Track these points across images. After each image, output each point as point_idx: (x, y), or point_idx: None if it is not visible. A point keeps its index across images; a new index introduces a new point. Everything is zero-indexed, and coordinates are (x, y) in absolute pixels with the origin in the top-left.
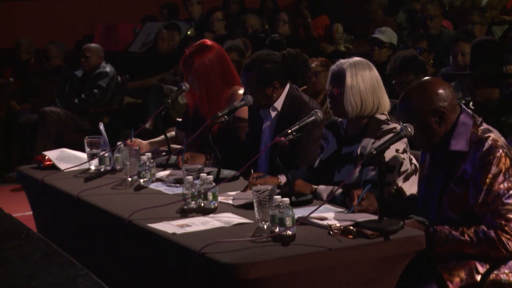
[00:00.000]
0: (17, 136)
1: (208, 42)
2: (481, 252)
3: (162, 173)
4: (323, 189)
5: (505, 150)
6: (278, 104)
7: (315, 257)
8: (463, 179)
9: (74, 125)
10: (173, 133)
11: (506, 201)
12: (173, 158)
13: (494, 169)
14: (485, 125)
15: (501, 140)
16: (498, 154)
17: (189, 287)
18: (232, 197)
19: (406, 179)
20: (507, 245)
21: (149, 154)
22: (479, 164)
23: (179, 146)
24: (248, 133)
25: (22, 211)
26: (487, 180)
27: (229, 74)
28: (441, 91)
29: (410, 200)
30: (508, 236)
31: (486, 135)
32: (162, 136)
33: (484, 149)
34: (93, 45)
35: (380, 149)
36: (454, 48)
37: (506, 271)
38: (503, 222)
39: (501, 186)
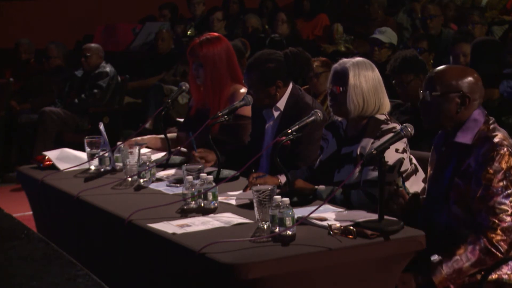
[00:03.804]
0: (17, 136)
1: (219, 35)
2: (479, 264)
3: (162, 173)
4: (323, 190)
5: (509, 150)
6: (281, 104)
7: (315, 257)
8: (466, 173)
9: (74, 125)
10: (174, 134)
11: (503, 200)
12: (173, 158)
13: (496, 166)
14: (496, 125)
15: (508, 140)
16: (502, 152)
17: (189, 287)
18: (232, 197)
19: (406, 179)
20: (499, 247)
21: (149, 154)
22: (482, 159)
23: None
24: (251, 133)
25: (22, 211)
26: (487, 176)
27: (234, 70)
28: (479, 83)
29: (414, 197)
30: (499, 237)
31: (494, 133)
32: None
33: (489, 144)
34: (93, 45)
35: (380, 149)
36: (454, 49)
37: (508, 272)
38: (496, 221)
39: (500, 183)
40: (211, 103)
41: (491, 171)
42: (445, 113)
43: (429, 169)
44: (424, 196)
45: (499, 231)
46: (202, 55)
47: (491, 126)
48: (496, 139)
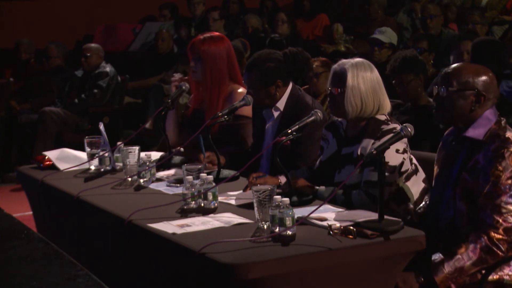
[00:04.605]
0: (17, 136)
1: (221, 34)
2: (480, 263)
3: (162, 173)
4: (324, 190)
5: None
6: (281, 104)
7: (315, 257)
8: (474, 169)
9: (74, 125)
10: None
11: (510, 200)
12: (173, 158)
13: (505, 163)
14: (507, 126)
15: None
16: None
17: (189, 287)
18: (232, 197)
19: (406, 179)
20: (500, 246)
21: (149, 154)
22: (492, 155)
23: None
24: (252, 133)
25: (22, 211)
26: (496, 172)
27: (233, 70)
28: (494, 83)
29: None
30: (500, 236)
31: (505, 132)
32: None
33: (500, 141)
34: (93, 45)
35: (380, 149)
36: (458, 47)
37: (510, 273)
38: (500, 221)
39: (508, 181)
40: (209, 100)
41: (500, 168)
42: (458, 110)
43: (435, 167)
44: (426, 198)
45: (501, 231)
46: (203, 50)
47: (502, 126)
48: (506, 136)
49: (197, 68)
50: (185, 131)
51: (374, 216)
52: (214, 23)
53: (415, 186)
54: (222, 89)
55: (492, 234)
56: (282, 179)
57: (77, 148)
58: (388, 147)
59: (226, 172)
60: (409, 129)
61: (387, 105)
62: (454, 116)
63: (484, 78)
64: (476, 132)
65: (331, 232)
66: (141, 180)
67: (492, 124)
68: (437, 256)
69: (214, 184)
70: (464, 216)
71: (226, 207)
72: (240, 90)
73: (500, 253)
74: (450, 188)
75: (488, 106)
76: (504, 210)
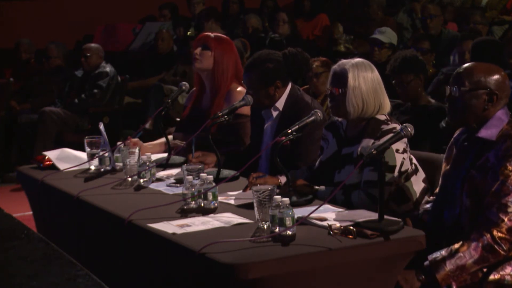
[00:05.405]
0: (17, 136)
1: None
2: (482, 262)
3: (162, 173)
4: (323, 190)
5: None
6: (280, 104)
7: (315, 257)
8: (484, 167)
9: (74, 125)
10: (170, 137)
11: None
12: (173, 158)
13: None
14: None
15: None
16: None
17: (189, 287)
18: (232, 197)
19: (406, 179)
20: (503, 245)
21: (149, 154)
22: (502, 154)
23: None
24: (250, 134)
25: (22, 211)
26: (505, 171)
27: (239, 70)
28: (507, 82)
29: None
30: (502, 235)
31: None
32: (160, 140)
33: (510, 141)
34: (93, 45)
35: (380, 149)
36: (460, 46)
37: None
38: (505, 220)
39: None
40: (211, 87)
41: (510, 167)
42: (471, 109)
43: (444, 164)
44: (427, 196)
45: (504, 230)
46: (217, 39)
47: None
48: None
49: (202, 56)
50: (183, 131)
51: (374, 216)
52: (201, 24)
53: (415, 186)
54: (226, 81)
55: (495, 232)
56: (282, 179)
57: (77, 148)
58: (388, 147)
59: (226, 172)
60: (409, 129)
61: (387, 105)
62: (467, 116)
63: (496, 77)
64: (488, 132)
65: (331, 232)
66: (141, 180)
67: (504, 124)
68: (437, 255)
69: (214, 184)
70: (468, 212)
71: (226, 207)
72: (239, 89)
73: (502, 252)
74: (459, 186)
75: (500, 106)
76: (510, 210)
